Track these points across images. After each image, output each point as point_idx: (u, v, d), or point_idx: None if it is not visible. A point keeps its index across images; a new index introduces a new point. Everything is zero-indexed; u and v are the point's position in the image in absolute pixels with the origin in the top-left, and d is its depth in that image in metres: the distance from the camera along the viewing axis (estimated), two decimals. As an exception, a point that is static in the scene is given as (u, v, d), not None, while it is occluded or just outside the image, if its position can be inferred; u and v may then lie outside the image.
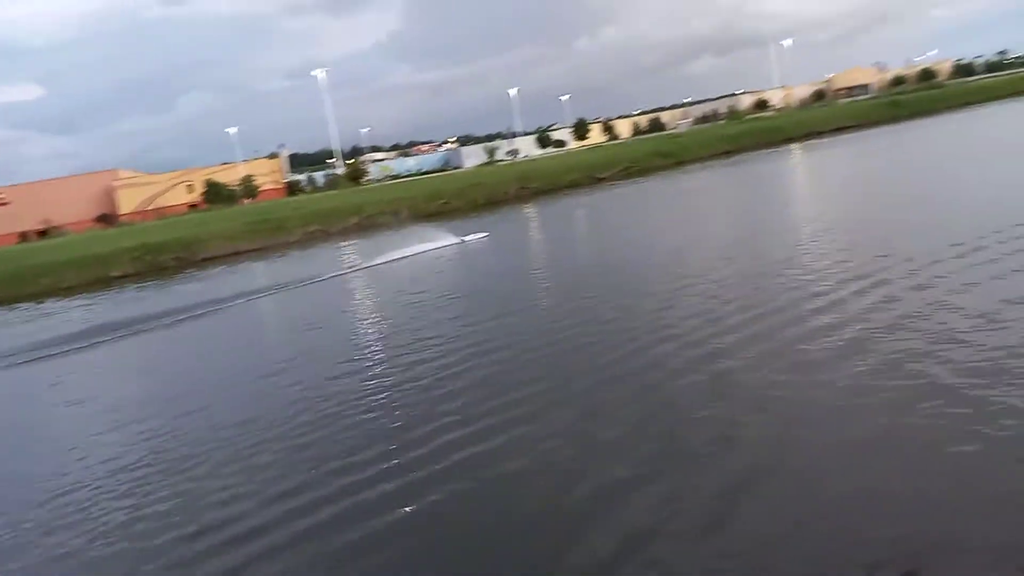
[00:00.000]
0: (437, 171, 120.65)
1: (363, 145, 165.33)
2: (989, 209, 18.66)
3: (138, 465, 10.75)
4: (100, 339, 22.17)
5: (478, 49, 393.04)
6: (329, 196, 71.40)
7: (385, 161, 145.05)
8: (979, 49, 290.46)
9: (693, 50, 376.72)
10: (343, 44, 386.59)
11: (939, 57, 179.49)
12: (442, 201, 51.60)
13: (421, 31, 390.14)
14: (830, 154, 50.36)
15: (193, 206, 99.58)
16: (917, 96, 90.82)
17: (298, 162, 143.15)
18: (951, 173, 29.30)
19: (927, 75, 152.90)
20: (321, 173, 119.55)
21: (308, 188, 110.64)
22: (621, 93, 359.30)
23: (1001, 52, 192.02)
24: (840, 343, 10.77)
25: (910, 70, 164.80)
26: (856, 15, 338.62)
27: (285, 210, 53.56)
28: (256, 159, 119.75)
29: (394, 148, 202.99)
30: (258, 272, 34.89)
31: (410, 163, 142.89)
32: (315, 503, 8.47)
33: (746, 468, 7.75)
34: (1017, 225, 15.54)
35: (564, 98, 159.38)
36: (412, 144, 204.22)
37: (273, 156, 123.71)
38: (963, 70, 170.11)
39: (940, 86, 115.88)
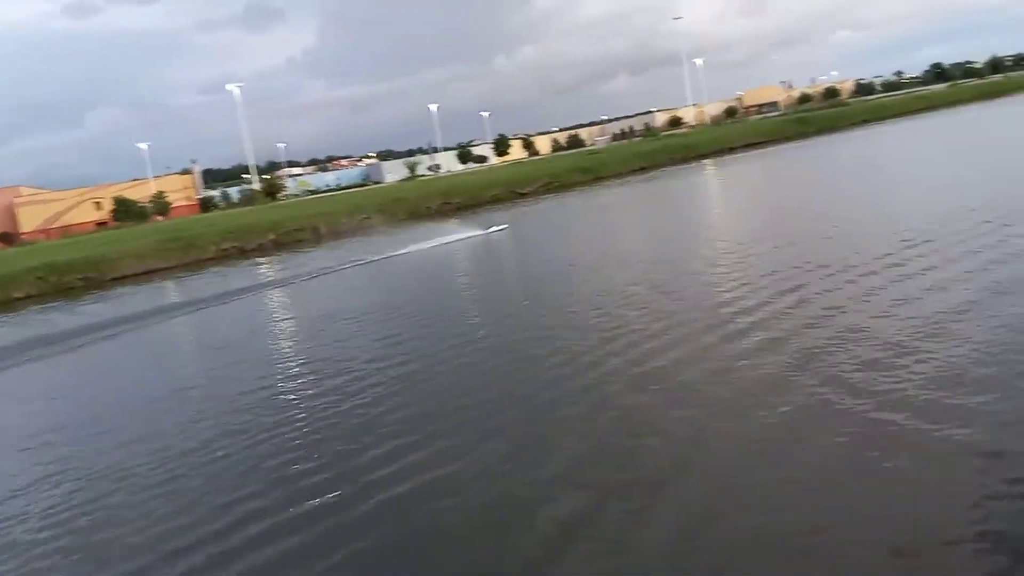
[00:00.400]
0: (357, 186, 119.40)
1: (280, 160, 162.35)
2: (890, 220, 19.59)
3: (39, 492, 10.21)
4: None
5: (396, 66, 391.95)
6: (245, 212, 69.77)
7: (303, 176, 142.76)
8: (877, 70, 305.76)
9: (609, 69, 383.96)
10: (258, 59, 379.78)
11: (841, 77, 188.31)
12: (363, 216, 51.01)
13: (337, 48, 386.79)
14: (742, 169, 52.07)
15: (101, 224, 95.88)
16: (822, 113, 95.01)
17: (213, 178, 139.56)
18: (856, 185, 30.67)
19: (831, 93, 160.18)
20: (236, 189, 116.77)
21: (223, 204, 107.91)
22: (540, 110, 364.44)
23: (897, 73, 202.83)
24: (750, 346, 11.10)
25: (815, 89, 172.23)
26: (763, 37, 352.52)
27: (199, 227, 52.05)
28: (168, 175, 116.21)
29: (312, 163, 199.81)
30: (181, 289, 33.71)
31: (329, 178, 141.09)
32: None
33: (663, 466, 7.89)
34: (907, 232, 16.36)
35: (484, 115, 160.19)
36: (331, 159, 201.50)
37: (186, 172, 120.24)
38: (864, 89, 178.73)
39: (843, 104, 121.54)
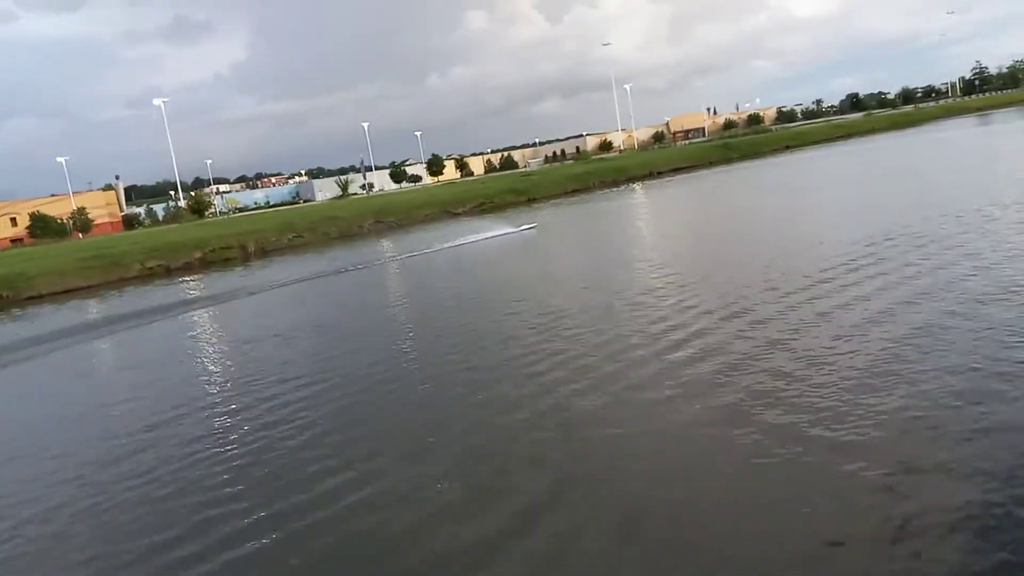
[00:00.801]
0: (287, 204, 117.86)
1: (207, 177, 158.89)
2: (807, 239, 20.52)
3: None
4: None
5: (327, 83, 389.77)
6: (170, 230, 68.03)
7: (231, 193, 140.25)
8: (796, 98, 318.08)
9: (541, 92, 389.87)
10: (184, 73, 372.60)
11: (763, 104, 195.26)
12: (293, 235, 50.47)
13: (266, 63, 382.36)
14: (670, 192, 53.40)
15: (16, 240, 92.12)
16: (746, 139, 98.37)
17: (137, 195, 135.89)
18: (774, 209, 31.94)
19: (754, 120, 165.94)
20: (161, 206, 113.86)
21: (147, 222, 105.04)
22: (473, 131, 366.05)
23: (817, 101, 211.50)
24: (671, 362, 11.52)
25: (739, 115, 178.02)
26: (687, 64, 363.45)
27: (122, 244, 50.55)
28: (90, 191, 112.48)
29: (240, 180, 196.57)
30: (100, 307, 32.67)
31: (258, 195, 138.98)
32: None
33: (588, 481, 8.15)
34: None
35: (417, 134, 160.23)
36: (260, 176, 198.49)
37: (108, 188, 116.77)
38: (785, 116, 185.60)
39: (766, 131, 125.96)
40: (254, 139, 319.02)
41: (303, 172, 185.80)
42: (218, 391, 14.39)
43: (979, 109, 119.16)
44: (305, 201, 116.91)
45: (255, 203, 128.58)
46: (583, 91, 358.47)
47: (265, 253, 46.61)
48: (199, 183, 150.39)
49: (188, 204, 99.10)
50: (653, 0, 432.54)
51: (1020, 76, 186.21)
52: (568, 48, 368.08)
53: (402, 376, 13.51)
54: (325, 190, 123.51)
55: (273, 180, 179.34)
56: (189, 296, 31.81)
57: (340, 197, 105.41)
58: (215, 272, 39.97)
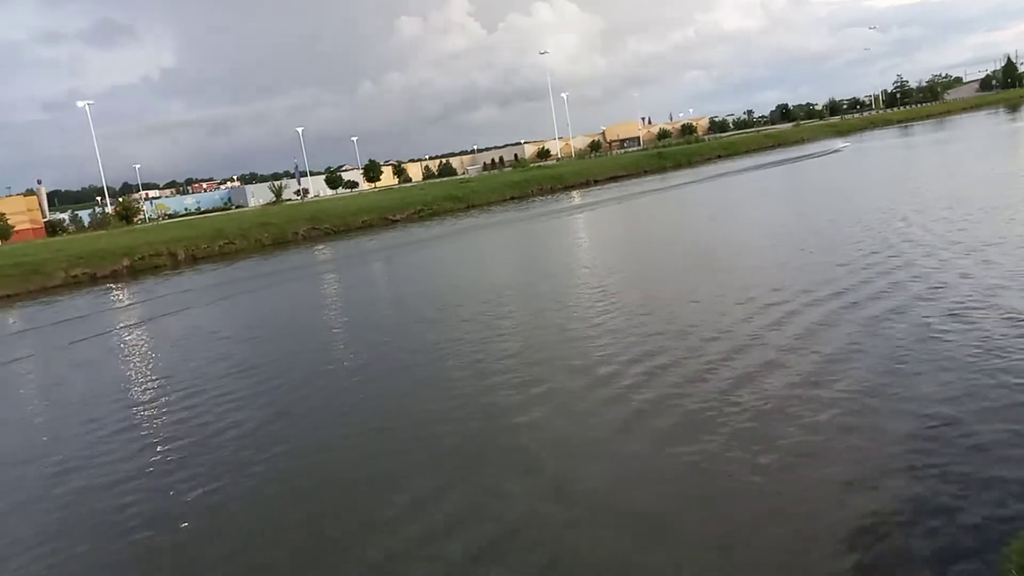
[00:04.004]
0: (219, 210, 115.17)
1: (135, 182, 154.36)
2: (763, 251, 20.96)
3: None
4: None
5: (260, 88, 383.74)
6: (96, 236, 65.68)
7: (161, 199, 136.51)
8: (728, 108, 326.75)
9: (478, 100, 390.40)
10: (110, 77, 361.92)
11: (697, 114, 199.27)
12: (225, 241, 49.32)
13: (196, 67, 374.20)
14: (606, 198, 54.01)
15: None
16: (679, 149, 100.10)
17: (61, 200, 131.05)
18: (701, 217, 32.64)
19: (687, 130, 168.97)
20: (87, 212, 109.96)
21: (72, 228, 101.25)
22: (410, 137, 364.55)
23: (748, 112, 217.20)
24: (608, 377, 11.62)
25: (673, 125, 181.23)
26: (621, 74, 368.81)
27: (44, 252, 48.56)
28: (8, 196, 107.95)
29: (170, 186, 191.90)
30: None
31: (188, 201, 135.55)
32: None
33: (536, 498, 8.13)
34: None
35: (354, 140, 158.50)
36: (191, 182, 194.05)
37: (29, 193, 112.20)
38: (717, 126, 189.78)
39: (698, 140, 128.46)
40: (185, 144, 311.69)
41: (235, 178, 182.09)
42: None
43: (900, 121, 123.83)
44: (237, 207, 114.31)
45: (186, 209, 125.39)
46: (520, 99, 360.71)
47: (195, 260, 45.44)
48: (127, 188, 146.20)
49: (116, 210, 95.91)
50: (586, 11, 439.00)
51: (938, 90, 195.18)
52: (504, 56, 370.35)
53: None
54: (258, 196, 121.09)
55: (204, 186, 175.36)
56: (118, 304, 30.77)
57: (273, 203, 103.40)
58: (146, 279, 38.80)
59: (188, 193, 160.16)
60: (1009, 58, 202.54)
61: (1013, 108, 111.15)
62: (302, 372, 14.70)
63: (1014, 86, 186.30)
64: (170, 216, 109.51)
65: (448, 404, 11.37)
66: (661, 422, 9.54)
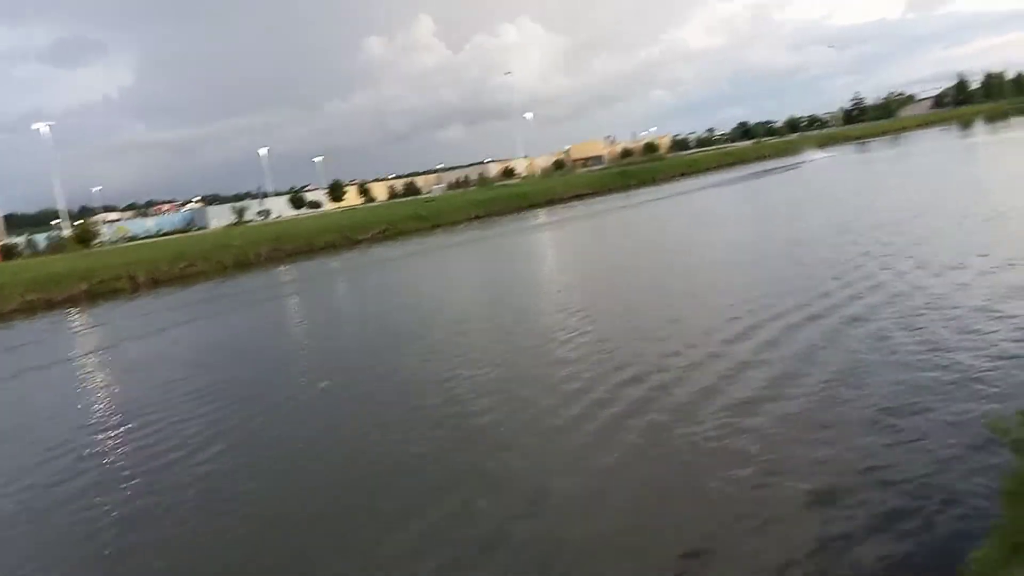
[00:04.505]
0: (181, 232, 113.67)
1: (95, 205, 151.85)
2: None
3: None
4: None
5: (223, 108, 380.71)
6: (53, 260, 64.38)
7: (121, 222, 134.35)
8: (691, 126, 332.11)
9: (443, 119, 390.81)
10: (68, 97, 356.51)
11: (659, 132, 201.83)
12: (186, 264, 48.58)
13: (158, 88, 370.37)
14: (571, 216, 54.34)
15: None
16: (643, 167, 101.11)
17: (17, 223, 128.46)
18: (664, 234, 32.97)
19: (650, 148, 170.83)
20: (44, 235, 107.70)
21: (27, 252, 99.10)
22: (375, 157, 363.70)
23: (709, 130, 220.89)
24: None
25: (636, 143, 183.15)
26: (586, 93, 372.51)
27: (-2, 276, 47.45)
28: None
29: (130, 208, 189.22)
30: None
31: (149, 224, 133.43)
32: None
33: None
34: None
35: (317, 159, 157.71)
36: (151, 203, 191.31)
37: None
38: (679, 144, 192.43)
39: (661, 158, 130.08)
40: (146, 165, 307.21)
41: (197, 199, 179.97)
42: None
43: (857, 137, 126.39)
44: (199, 229, 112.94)
45: (146, 231, 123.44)
46: (486, 118, 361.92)
47: (156, 284, 44.67)
48: (86, 211, 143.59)
49: (74, 233, 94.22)
50: (551, 31, 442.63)
51: (893, 107, 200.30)
52: (470, 76, 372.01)
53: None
54: (220, 217, 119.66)
55: (165, 207, 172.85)
56: (80, 329, 30.10)
57: (236, 224, 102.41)
58: (105, 304, 38.04)
59: (149, 215, 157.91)
60: (961, 76, 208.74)
61: (965, 125, 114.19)
62: (262, 399, 14.45)
63: (967, 103, 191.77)
64: (130, 239, 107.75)
65: (416, 428, 11.25)
66: (631, 437, 9.52)
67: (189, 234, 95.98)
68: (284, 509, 9.22)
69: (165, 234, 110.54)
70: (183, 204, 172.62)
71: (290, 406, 13.54)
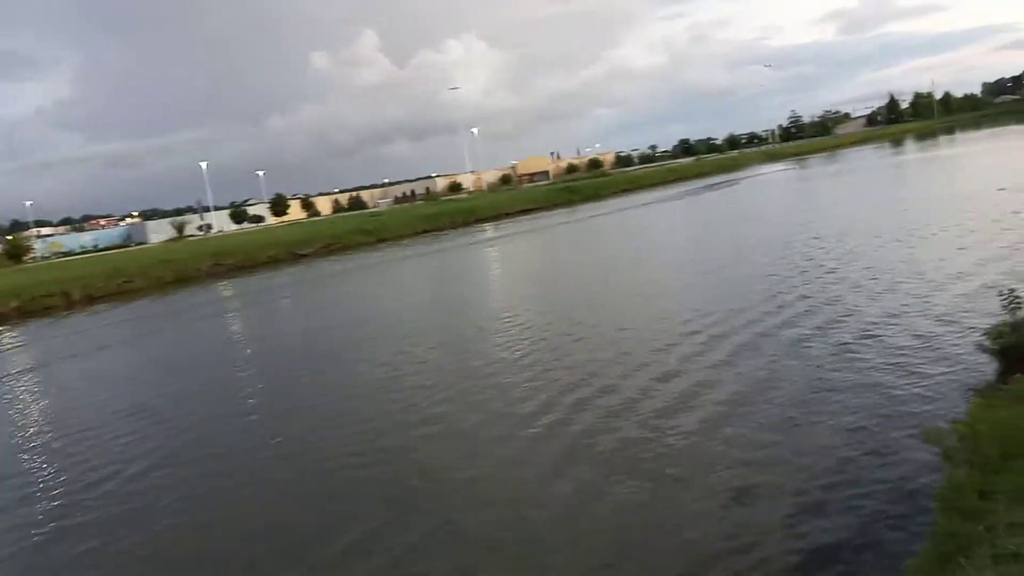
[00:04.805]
0: (118, 247, 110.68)
1: (27, 219, 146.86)
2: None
3: None
4: None
5: (162, 121, 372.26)
6: (-18, 276, 62.17)
7: (54, 236, 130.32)
8: (634, 143, 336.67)
9: (389, 133, 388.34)
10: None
11: (603, 149, 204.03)
12: (123, 280, 47.31)
13: (94, 100, 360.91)
14: (518, 231, 54.61)
15: None
16: (587, 183, 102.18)
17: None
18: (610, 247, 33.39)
19: (595, 164, 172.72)
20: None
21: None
22: (318, 171, 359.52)
23: (652, 147, 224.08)
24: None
25: (581, 160, 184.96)
26: (531, 109, 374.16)
27: (-79, 293, 45.50)
28: None
29: (65, 222, 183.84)
30: None
31: (85, 239, 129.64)
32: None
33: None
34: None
35: (260, 173, 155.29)
36: (87, 218, 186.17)
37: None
38: (623, 161, 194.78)
39: (606, 174, 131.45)
40: (81, 179, 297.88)
41: (136, 213, 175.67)
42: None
43: (795, 154, 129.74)
44: (138, 244, 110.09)
45: (82, 247, 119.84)
46: (431, 133, 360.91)
47: (92, 300, 43.38)
48: (17, 226, 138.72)
49: (5, 248, 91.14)
50: (496, 47, 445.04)
51: (829, 124, 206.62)
52: (415, 91, 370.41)
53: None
54: (160, 232, 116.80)
55: (102, 222, 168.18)
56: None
57: (176, 239, 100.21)
58: (38, 321, 36.82)
59: (85, 230, 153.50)
60: (892, 96, 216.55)
61: (897, 143, 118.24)
62: (199, 419, 14.19)
63: (897, 121, 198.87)
64: (65, 254, 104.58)
65: (358, 446, 11.18)
66: (585, 453, 9.62)
67: (127, 249, 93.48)
68: (209, 526, 9.07)
69: (102, 249, 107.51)
70: (121, 219, 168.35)
71: (218, 429, 13.32)
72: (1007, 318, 9.92)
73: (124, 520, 9.61)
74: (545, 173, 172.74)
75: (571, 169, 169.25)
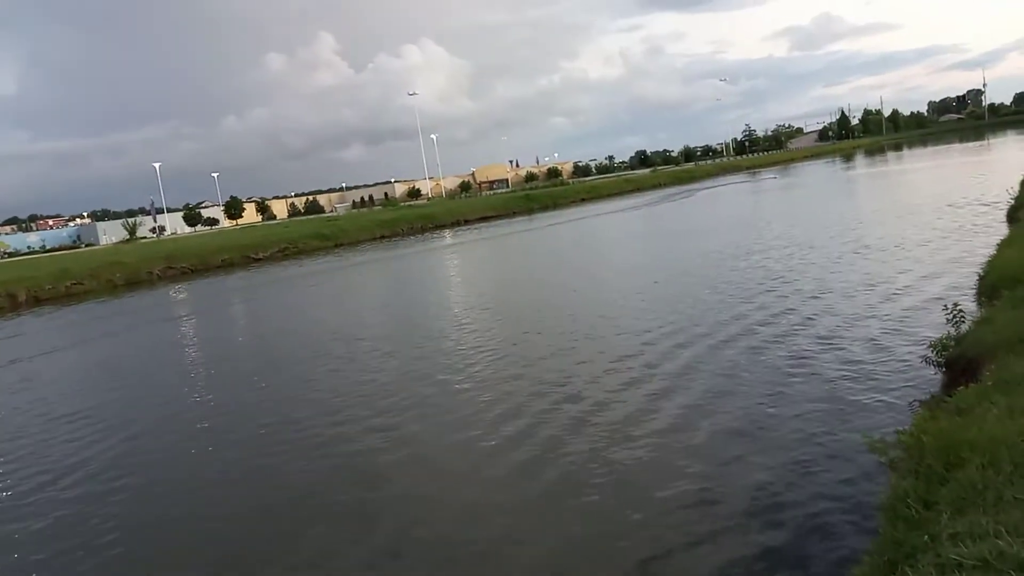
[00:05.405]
0: (67, 248, 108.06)
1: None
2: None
3: None
4: None
5: (115, 120, 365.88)
6: (-79, 276, 60.08)
7: (0, 236, 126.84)
8: (591, 153, 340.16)
9: (345, 138, 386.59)
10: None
11: (562, 159, 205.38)
12: (72, 282, 46.17)
13: (43, 97, 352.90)
14: (476, 238, 54.61)
15: None
16: (546, 191, 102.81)
17: None
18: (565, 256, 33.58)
19: (553, 173, 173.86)
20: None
21: None
22: (275, 174, 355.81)
23: (609, 157, 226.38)
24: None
25: (539, 168, 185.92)
26: (489, 117, 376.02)
27: None
28: None
29: (11, 222, 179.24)
30: None
31: (32, 239, 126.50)
32: None
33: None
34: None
35: (214, 175, 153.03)
36: (35, 218, 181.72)
37: None
38: (581, 170, 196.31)
39: (564, 183, 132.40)
40: (28, 177, 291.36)
41: (86, 214, 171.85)
42: None
43: (749, 167, 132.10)
44: (88, 245, 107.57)
45: (29, 247, 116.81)
46: (390, 138, 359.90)
47: (38, 302, 42.24)
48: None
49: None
50: (455, 54, 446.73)
51: (782, 138, 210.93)
52: (372, 95, 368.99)
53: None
54: (111, 233, 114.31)
55: (51, 222, 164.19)
56: None
57: (127, 241, 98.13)
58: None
59: (32, 230, 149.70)
60: (843, 112, 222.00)
61: (847, 158, 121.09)
62: (145, 427, 13.87)
63: (848, 137, 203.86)
64: (10, 254, 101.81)
65: (309, 459, 11.04)
66: (542, 465, 9.62)
67: (76, 251, 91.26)
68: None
69: (50, 250, 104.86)
70: (70, 219, 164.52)
71: (176, 436, 13.04)
72: (951, 331, 10.22)
73: (56, 533, 9.33)
74: (505, 181, 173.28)
75: (530, 177, 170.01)
